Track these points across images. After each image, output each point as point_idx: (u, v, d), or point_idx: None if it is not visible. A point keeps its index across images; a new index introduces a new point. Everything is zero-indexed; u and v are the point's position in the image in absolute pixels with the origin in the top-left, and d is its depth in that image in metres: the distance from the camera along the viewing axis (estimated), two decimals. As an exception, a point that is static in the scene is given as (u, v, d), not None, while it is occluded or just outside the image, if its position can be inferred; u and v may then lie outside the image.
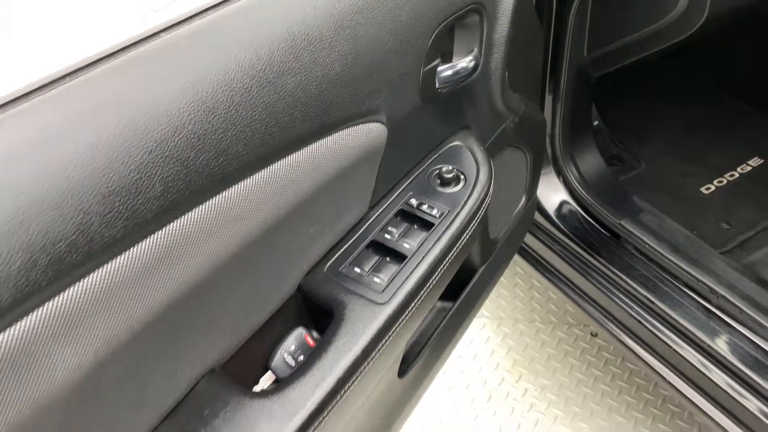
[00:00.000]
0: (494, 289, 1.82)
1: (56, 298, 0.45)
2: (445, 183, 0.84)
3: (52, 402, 0.46)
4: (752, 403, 1.09)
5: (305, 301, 0.74)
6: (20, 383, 0.44)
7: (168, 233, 0.51)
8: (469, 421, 1.56)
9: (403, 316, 0.73)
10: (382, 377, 0.81)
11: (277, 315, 0.72)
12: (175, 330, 0.57)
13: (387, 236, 0.78)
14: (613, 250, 1.32)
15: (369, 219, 0.79)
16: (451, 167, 0.85)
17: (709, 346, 1.15)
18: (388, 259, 0.76)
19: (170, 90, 0.52)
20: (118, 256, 0.48)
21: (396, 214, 0.81)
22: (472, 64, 0.85)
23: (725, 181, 1.56)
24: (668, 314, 1.21)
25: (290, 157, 0.62)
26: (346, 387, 0.66)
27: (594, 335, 1.71)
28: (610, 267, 1.30)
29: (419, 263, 0.75)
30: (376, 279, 0.74)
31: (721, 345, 1.15)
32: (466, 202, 0.82)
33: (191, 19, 0.60)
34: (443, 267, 0.78)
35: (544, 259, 1.43)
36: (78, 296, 0.46)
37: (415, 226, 0.80)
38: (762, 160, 1.60)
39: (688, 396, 1.18)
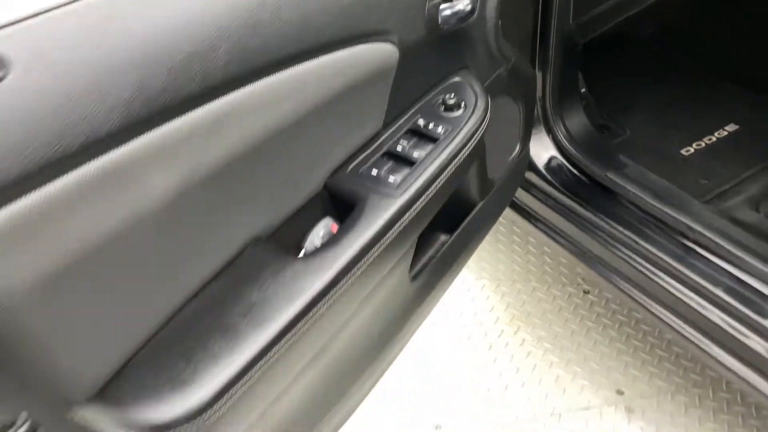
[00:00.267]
0: (493, 254, 1.96)
1: (150, 132, 0.58)
2: (448, 108, 0.98)
3: (147, 215, 0.59)
4: (725, 322, 1.22)
5: (331, 197, 0.87)
6: (119, 197, 0.57)
7: (229, 101, 0.65)
8: (471, 367, 1.68)
9: (413, 208, 0.86)
10: (396, 274, 0.94)
11: (308, 207, 0.85)
12: (226, 193, 0.70)
13: (399, 147, 0.92)
14: (600, 199, 1.45)
15: (383, 135, 0.93)
16: (453, 95, 0.98)
17: (687, 276, 1.28)
18: (400, 165, 0.90)
19: None
20: (196, 109, 0.61)
21: (406, 132, 0.94)
22: (469, 7, 0.99)
23: (704, 144, 1.70)
24: (650, 251, 1.33)
25: (316, 60, 0.75)
26: (366, 258, 0.79)
27: (586, 292, 1.84)
28: (598, 214, 1.43)
29: (427, 168, 0.89)
30: (390, 179, 0.87)
31: (697, 274, 1.28)
32: (466, 123, 0.96)
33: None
34: (447, 173, 0.91)
35: (538, 213, 1.56)
36: (166, 134, 0.59)
37: (423, 141, 0.93)
38: (737, 126, 1.74)
39: (668, 321, 1.30)
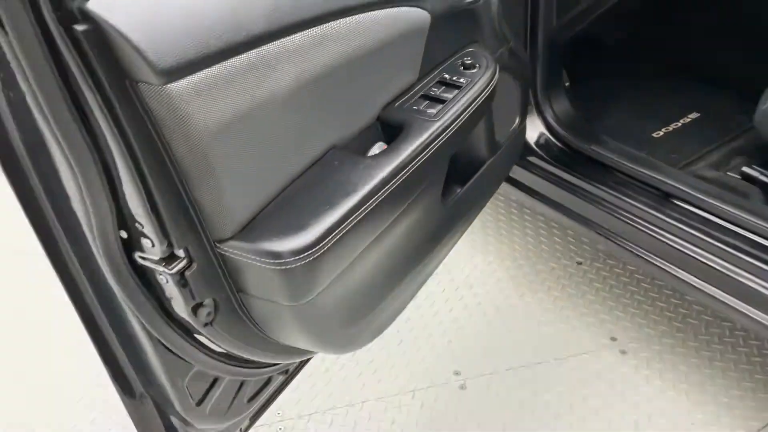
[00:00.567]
0: (497, 236, 2.21)
1: (275, 41, 0.85)
2: (467, 68, 1.25)
3: (279, 95, 0.85)
4: (697, 253, 1.47)
5: (382, 126, 1.14)
6: (260, 82, 0.83)
7: (315, 32, 0.92)
8: (483, 324, 1.91)
9: (446, 132, 1.12)
10: (432, 193, 1.19)
11: (366, 131, 1.11)
12: (319, 101, 0.96)
13: (432, 92, 1.19)
14: (586, 168, 1.72)
15: (418, 84, 1.20)
16: (470, 59, 1.26)
17: (664, 221, 1.54)
18: (434, 103, 1.17)
19: None
20: (298, 32, 0.88)
21: (436, 83, 1.22)
22: (477, -8, 1.28)
23: (671, 128, 2.00)
24: (632, 204, 1.60)
25: (371, 13, 1.03)
26: (414, 163, 1.05)
27: (579, 263, 2.09)
28: (584, 179, 1.70)
29: (455, 104, 1.16)
30: (428, 111, 1.14)
31: (672, 219, 1.54)
32: (481, 78, 1.24)
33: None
34: (469, 111, 1.18)
35: (533, 186, 1.83)
36: (284, 45, 0.86)
37: (450, 88, 1.20)
38: (699, 114, 2.05)
39: (650, 260, 1.56)
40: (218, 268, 0.92)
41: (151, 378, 1.03)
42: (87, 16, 0.69)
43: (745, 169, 1.68)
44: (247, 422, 1.26)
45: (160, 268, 0.86)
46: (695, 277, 1.51)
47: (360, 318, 1.11)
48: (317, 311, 0.98)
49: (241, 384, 1.17)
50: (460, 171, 1.37)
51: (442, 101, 1.17)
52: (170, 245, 0.85)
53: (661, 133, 1.99)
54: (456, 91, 1.20)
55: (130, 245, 0.87)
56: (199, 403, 1.08)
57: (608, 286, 2.00)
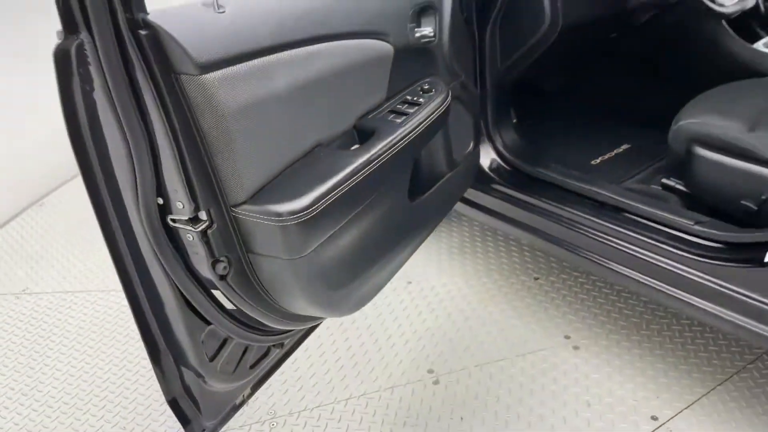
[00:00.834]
0: (461, 256, 2.46)
1: (282, 52, 1.13)
2: (425, 91, 1.56)
3: (276, 96, 1.13)
4: (622, 245, 1.75)
5: (358, 133, 1.42)
6: (267, 81, 1.11)
7: (309, 50, 1.21)
8: (452, 330, 2.13)
9: (409, 135, 1.41)
10: (399, 189, 1.46)
11: (345, 136, 1.39)
12: (310, 102, 1.24)
13: (397, 108, 1.48)
14: (533, 186, 2.02)
15: (386, 103, 1.50)
16: (428, 85, 1.57)
17: (600, 224, 1.83)
18: (399, 116, 1.46)
19: None
20: (298, 48, 1.17)
21: (401, 102, 1.51)
22: (432, 33, 1.60)
23: (607, 157, 2.33)
24: (573, 213, 1.88)
25: (343, 42, 1.32)
26: (384, 155, 1.32)
27: (536, 279, 2.35)
28: (531, 195, 1.99)
29: (416, 116, 1.45)
30: (395, 120, 1.42)
31: (607, 222, 1.82)
32: (437, 98, 1.54)
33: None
34: (427, 122, 1.48)
35: (490, 206, 2.11)
36: (289, 55, 1.15)
37: (411, 105, 1.50)
38: (629, 145, 2.39)
39: (591, 258, 1.82)
40: (232, 230, 1.16)
41: (172, 335, 1.24)
42: (149, 25, 0.96)
43: (664, 180, 1.99)
44: (249, 390, 1.46)
45: (188, 227, 1.10)
46: (628, 267, 1.78)
47: (346, 283, 1.35)
48: (310, 268, 1.22)
49: (245, 349, 1.38)
50: (423, 181, 1.65)
51: (406, 114, 1.46)
52: (197, 208, 1.10)
53: (598, 161, 2.31)
54: (417, 108, 1.49)
55: (164, 210, 1.11)
56: (212, 359, 1.30)
57: (561, 296, 2.25)
